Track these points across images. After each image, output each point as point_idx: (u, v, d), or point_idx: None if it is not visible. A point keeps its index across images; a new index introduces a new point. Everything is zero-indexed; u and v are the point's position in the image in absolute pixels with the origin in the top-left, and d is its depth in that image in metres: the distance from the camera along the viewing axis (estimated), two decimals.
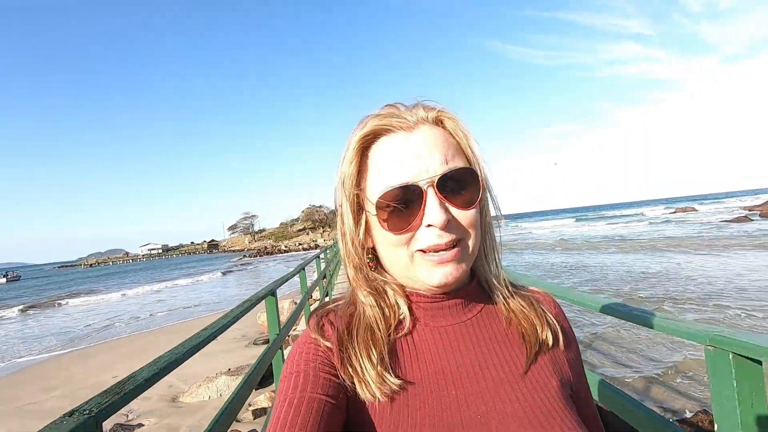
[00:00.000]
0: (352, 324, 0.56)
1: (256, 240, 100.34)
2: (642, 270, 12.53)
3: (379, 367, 0.52)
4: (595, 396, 1.73)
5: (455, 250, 0.52)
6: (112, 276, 55.96)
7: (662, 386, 4.66)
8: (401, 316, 0.57)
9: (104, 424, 0.83)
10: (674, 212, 50.10)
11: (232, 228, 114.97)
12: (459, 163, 0.54)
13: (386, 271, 0.60)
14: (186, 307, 16.83)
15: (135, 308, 18.63)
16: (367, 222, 0.57)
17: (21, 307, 24.38)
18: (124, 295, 26.01)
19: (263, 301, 2.84)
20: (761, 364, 1.00)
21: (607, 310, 1.50)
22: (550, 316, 0.61)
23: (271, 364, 2.75)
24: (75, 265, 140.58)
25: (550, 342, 0.58)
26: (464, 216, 0.53)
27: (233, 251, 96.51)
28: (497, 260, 0.62)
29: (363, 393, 0.51)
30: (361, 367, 0.52)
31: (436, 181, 0.51)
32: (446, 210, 0.52)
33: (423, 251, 0.52)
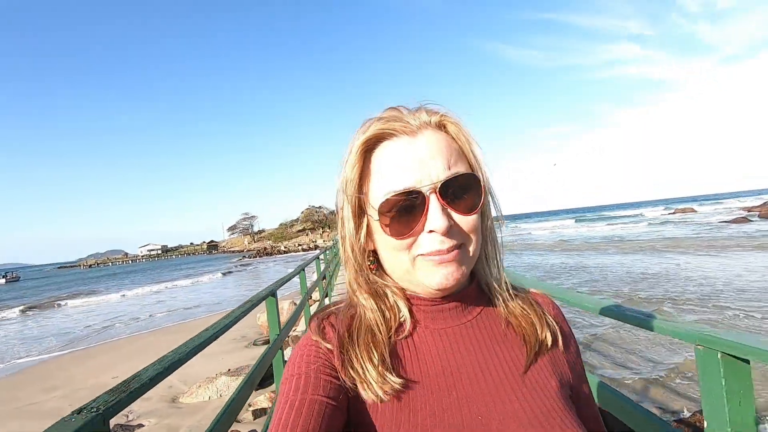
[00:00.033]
0: (352, 326, 0.57)
1: (256, 241, 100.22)
2: (641, 271, 12.55)
3: (380, 368, 0.52)
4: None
5: (456, 252, 0.52)
6: (111, 277, 55.90)
7: (662, 387, 4.68)
8: (402, 319, 0.58)
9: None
10: (673, 213, 50.18)
11: (232, 229, 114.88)
12: (461, 169, 0.54)
13: (387, 274, 0.60)
14: (186, 308, 16.83)
15: (135, 309, 18.63)
16: (368, 226, 0.57)
17: (21, 307, 24.37)
18: (123, 295, 25.98)
19: (263, 301, 2.87)
20: (749, 363, 1.03)
21: (600, 310, 1.52)
22: (550, 317, 0.62)
23: (271, 364, 2.78)
24: (74, 266, 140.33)
25: (549, 343, 0.59)
26: (466, 221, 0.53)
27: (232, 252, 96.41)
28: (499, 263, 0.62)
29: (365, 394, 0.51)
30: (362, 368, 0.52)
31: (438, 187, 0.52)
32: (448, 216, 0.52)
33: (424, 255, 0.53)
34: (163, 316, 15.49)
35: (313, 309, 7.17)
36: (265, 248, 77.87)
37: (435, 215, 0.51)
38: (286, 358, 3.66)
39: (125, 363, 8.09)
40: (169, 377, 1.10)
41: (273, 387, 4.66)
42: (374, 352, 0.53)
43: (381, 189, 0.53)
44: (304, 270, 5.35)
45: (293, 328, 5.53)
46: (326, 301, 7.74)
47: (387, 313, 0.58)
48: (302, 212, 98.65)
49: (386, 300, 0.58)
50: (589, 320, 7.20)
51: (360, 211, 0.57)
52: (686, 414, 3.93)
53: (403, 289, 0.59)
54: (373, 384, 0.51)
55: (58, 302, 25.72)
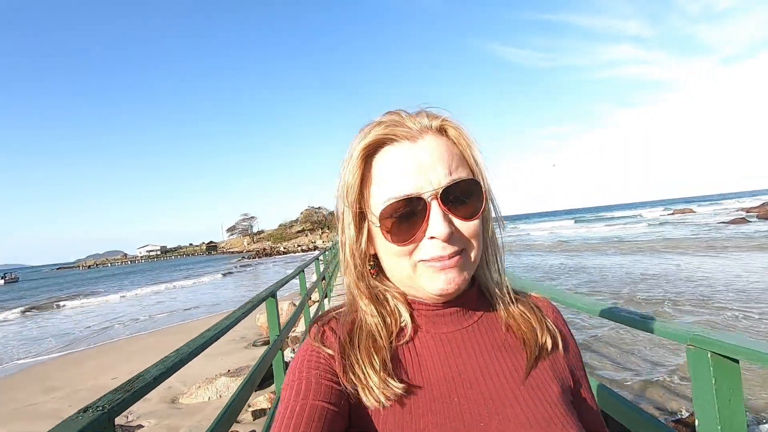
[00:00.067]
0: (353, 331, 0.57)
1: (255, 241, 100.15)
2: (641, 272, 12.57)
3: (382, 373, 0.52)
4: None
5: (457, 257, 0.52)
6: (110, 277, 55.91)
7: (662, 388, 4.70)
8: (402, 324, 0.57)
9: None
10: (672, 214, 50.19)
11: (231, 229, 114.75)
12: (463, 174, 0.53)
13: (387, 279, 0.60)
14: (185, 309, 16.84)
15: (134, 310, 18.64)
16: (369, 231, 0.57)
17: (21, 308, 24.35)
18: (123, 296, 26.00)
19: (263, 302, 2.89)
20: (738, 363, 1.05)
21: (595, 311, 1.54)
22: (550, 321, 0.62)
23: (271, 365, 2.80)
24: (73, 267, 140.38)
25: (550, 347, 0.59)
26: (467, 227, 0.53)
27: (232, 253, 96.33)
28: (500, 267, 0.62)
29: (367, 399, 0.51)
30: (363, 373, 0.52)
31: (440, 193, 0.51)
32: (450, 222, 0.52)
33: (425, 261, 0.53)
34: (162, 317, 15.49)
35: (312, 309, 7.18)
36: (265, 249, 77.88)
37: (436, 222, 0.51)
38: (286, 359, 3.69)
39: (125, 364, 8.10)
40: (168, 378, 1.12)
41: (273, 388, 4.67)
42: (375, 357, 0.53)
43: (382, 195, 0.53)
44: (303, 271, 5.37)
45: (293, 329, 5.55)
46: (326, 301, 7.75)
47: (388, 318, 0.57)
48: (302, 213, 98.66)
49: (387, 305, 0.58)
50: (588, 321, 7.22)
51: (360, 217, 0.57)
52: (684, 414, 3.95)
53: (403, 293, 0.59)
54: (375, 389, 0.51)
55: (58, 303, 25.72)
